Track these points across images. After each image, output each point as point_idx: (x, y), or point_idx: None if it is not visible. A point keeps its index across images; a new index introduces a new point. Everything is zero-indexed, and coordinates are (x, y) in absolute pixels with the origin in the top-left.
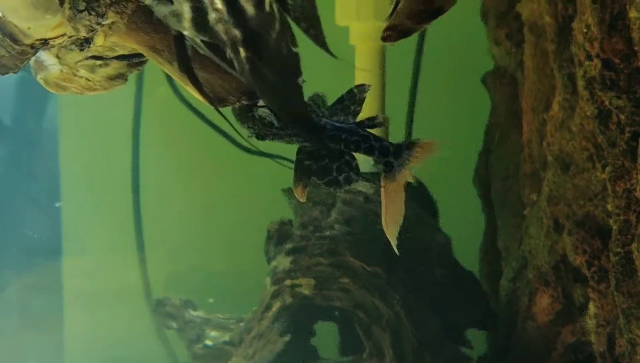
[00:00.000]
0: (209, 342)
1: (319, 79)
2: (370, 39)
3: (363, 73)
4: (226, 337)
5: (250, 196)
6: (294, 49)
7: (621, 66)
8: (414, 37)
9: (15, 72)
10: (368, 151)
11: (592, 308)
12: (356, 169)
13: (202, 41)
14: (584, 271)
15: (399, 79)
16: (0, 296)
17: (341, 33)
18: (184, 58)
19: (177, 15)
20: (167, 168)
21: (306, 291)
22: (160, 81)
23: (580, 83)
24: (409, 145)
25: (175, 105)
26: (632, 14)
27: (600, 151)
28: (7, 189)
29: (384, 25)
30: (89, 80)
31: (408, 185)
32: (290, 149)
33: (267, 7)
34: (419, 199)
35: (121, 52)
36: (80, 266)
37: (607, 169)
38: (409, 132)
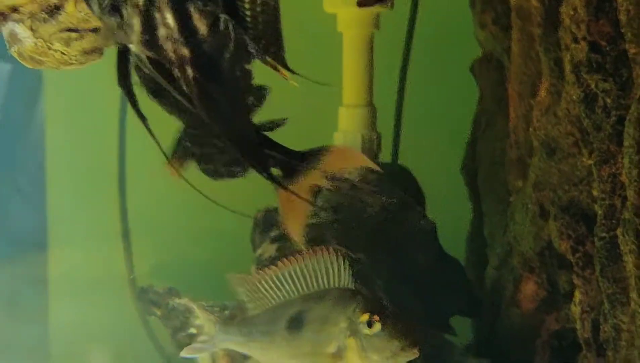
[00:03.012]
0: (193, 330)
1: (306, 67)
2: (358, 26)
3: (350, 61)
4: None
5: (237, 184)
6: (248, 69)
7: (608, 49)
8: (403, 24)
9: None
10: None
11: (577, 295)
12: (242, 166)
13: (148, 58)
14: (568, 257)
15: (388, 67)
16: None
17: (329, 20)
18: (124, 73)
19: (126, 28)
20: (153, 157)
21: None
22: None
23: (567, 67)
24: (313, 152)
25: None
26: None
27: (585, 136)
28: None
29: (371, 11)
30: (64, 54)
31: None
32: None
33: (222, 27)
34: (405, 185)
35: (95, 24)
36: (65, 256)
37: (593, 154)
38: (398, 120)
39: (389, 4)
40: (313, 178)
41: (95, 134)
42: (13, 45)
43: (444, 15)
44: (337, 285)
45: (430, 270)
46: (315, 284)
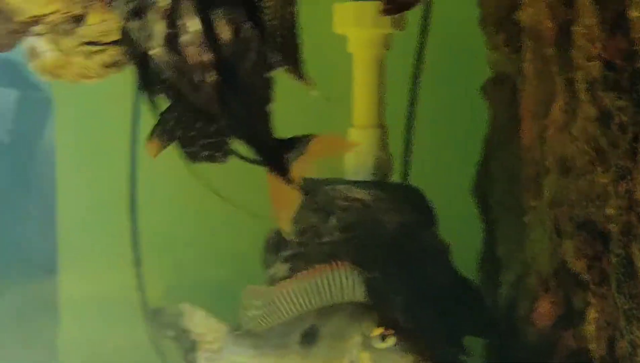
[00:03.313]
0: None
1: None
2: (369, 47)
3: (361, 82)
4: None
5: (249, 204)
6: (268, 77)
7: (623, 66)
8: (414, 44)
9: (8, 51)
10: (250, 143)
11: (591, 312)
12: (226, 152)
13: (168, 62)
14: (584, 274)
15: (398, 87)
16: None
17: (339, 41)
18: (145, 77)
19: (148, 33)
20: (164, 179)
21: None
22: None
23: (581, 86)
24: (300, 140)
25: None
26: (633, 13)
27: (601, 154)
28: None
29: (382, 32)
30: (83, 67)
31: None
32: None
33: (244, 35)
34: (417, 205)
35: (115, 37)
36: (75, 280)
37: (609, 171)
38: (407, 140)
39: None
40: (301, 166)
41: (106, 157)
42: (33, 59)
43: (454, 36)
44: (351, 300)
45: (444, 289)
46: (329, 298)
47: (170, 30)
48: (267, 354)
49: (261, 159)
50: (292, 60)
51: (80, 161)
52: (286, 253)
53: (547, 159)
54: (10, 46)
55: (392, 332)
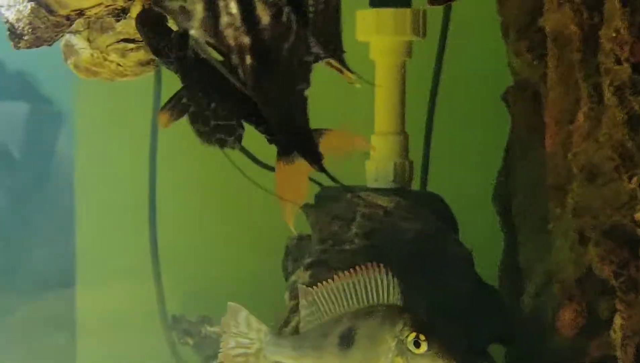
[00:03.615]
0: None
1: (337, 92)
2: (391, 54)
3: (383, 89)
4: None
5: (270, 211)
6: (307, 61)
7: None
8: (434, 52)
9: (50, 45)
10: (265, 131)
11: (617, 321)
12: (238, 138)
13: (206, 44)
14: (611, 281)
15: (418, 95)
16: (13, 326)
17: (362, 48)
18: (182, 57)
19: (188, 13)
20: (184, 190)
21: None
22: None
23: (607, 91)
24: (313, 132)
25: (190, 134)
26: None
27: (627, 161)
28: (21, 218)
29: (404, 39)
30: (119, 65)
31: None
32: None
33: (284, 19)
34: (438, 213)
35: None
36: (93, 293)
37: (636, 176)
38: (426, 148)
39: None
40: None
41: (125, 169)
42: (69, 57)
43: (474, 44)
44: (386, 301)
45: (467, 297)
46: (365, 300)
47: (210, 12)
48: (305, 355)
49: (294, 145)
50: (335, 50)
51: (98, 173)
52: (307, 260)
53: (571, 167)
54: (51, 40)
55: (425, 337)
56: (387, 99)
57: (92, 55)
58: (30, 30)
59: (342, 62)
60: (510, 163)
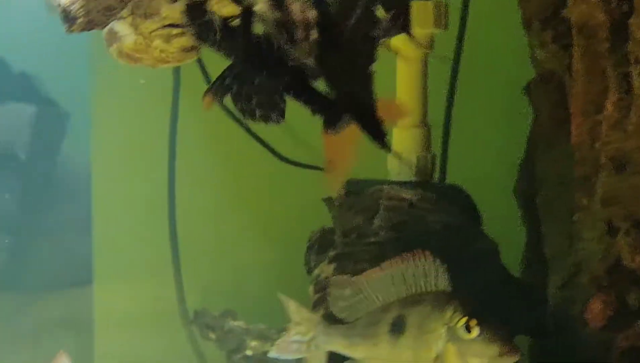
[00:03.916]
0: (249, 352)
1: None
2: (412, 46)
3: (404, 81)
4: (267, 347)
5: (289, 206)
6: (372, 36)
7: None
8: (452, 44)
9: (101, 28)
10: (308, 101)
11: None
12: (281, 113)
13: (271, 19)
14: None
15: (437, 87)
16: (29, 326)
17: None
18: (247, 33)
19: None
20: (203, 185)
21: None
22: (196, 110)
23: (637, 80)
24: None
25: (212, 122)
26: None
27: None
28: (30, 218)
29: (425, 32)
30: (162, 51)
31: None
32: None
33: None
34: (462, 205)
35: None
36: (111, 290)
37: None
38: (445, 140)
39: None
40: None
41: (143, 164)
42: (112, 43)
43: (493, 35)
44: (435, 288)
45: (493, 289)
46: (414, 287)
47: None
48: (357, 343)
49: (356, 119)
50: (403, 18)
51: (116, 169)
52: (331, 253)
53: (599, 157)
54: (103, 23)
55: (476, 322)
56: (409, 91)
57: (135, 41)
58: (83, 13)
59: (408, 31)
60: (533, 155)
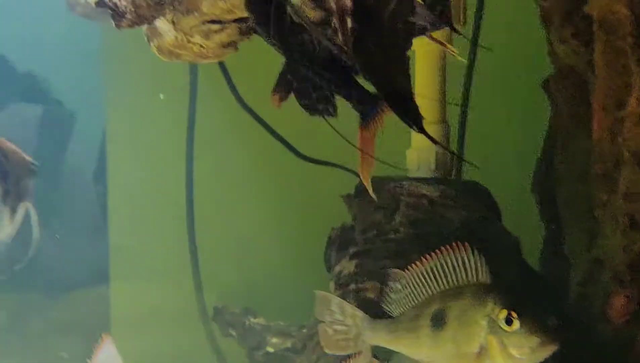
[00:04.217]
0: (270, 349)
1: None
2: (431, 43)
3: (423, 78)
4: (288, 344)
5: (308, 203)
6: (410, 22)
7: None
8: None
9: (150, 24)
10: (346, 96)
11: None
12: (334, 106)
13: (308, 9)
14: None
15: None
16: (44, 326)
17: None
18: (280, 24)
19: None
20: (221, 182)
21: (372, 295)
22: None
23: None
24: None
25: (229, 119)
26: None
27: None
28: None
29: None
30: (202, 47)
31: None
32: (348, 158)
33: None
34: (482, 201)
35: (239, 14)
36: (128, 291)
37: None
38: (461, 135)
39: None
40: (379, 121)
41: (160, 161)
42: (153, 39)
43: (509, 31)
44: (475, 281)
45: (515, 284)
46: (454, 280)
47: None
48: (400, 337)
49: (394, 108)
50: (441, 7)
51: (133, 167)
52: (352, 250)
53: (621, 153)
54: (151, 18)
55: (517, 314)
56: (427, 87)
57: (176, 37)
58: (132, 9)
59: (447, 19)
60: (552, 151)
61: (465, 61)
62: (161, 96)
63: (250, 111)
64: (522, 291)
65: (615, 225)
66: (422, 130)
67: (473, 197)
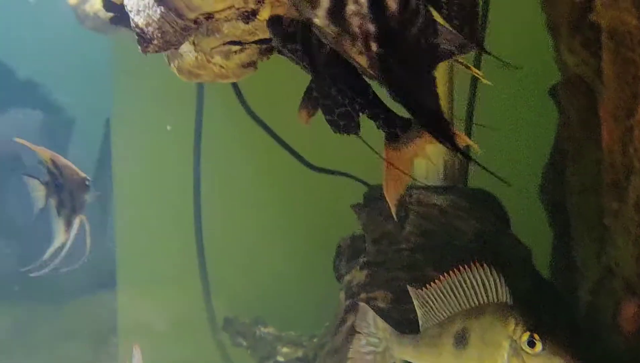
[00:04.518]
0: (280, 359)
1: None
2: None
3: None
4: (299, 353)
5: (317, 212)
6: (433, 43)
7: None
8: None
9: (177, 49)
10: (372, 117)
11: None
12: (357, 124)
13: (330, 32)
14: None
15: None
16: (50, 335)
17: None
18: (307, 44)
19: (313, 3)
20: (229, 191)
21: (382, 304)
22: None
23: None
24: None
25: (237, 127)
26: None
27: None
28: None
29: None
30: (222, 67)
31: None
32: (354, 166)
33: (413, 4)
34: (492, 210)
35: (261, 35)
36: (136, 299)
37: None
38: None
39: None
40: (415, 146)
41: (167, 168)
42: (173, 60)
43: (514, 39)
44: (495, 300)
45: (528, 294)
46: (475, 298)
47: (336, 1)
48: (424, 353)
49: (426, 127)
50: (469, 28)
51: (139, 178)
52: (363, 260)
53: (631, 162)
54: (178, 43)
55: (539, 336)
56: None
57: (196, 58)
58: (159, 34)
59: (475, 40)
60: (561, 159)
61: (491, 84)
62: (168, 128)
63: (258, 120)
64: (536, 303)
65: (627, 235)
66: (456, 148)
67: (483, 206)
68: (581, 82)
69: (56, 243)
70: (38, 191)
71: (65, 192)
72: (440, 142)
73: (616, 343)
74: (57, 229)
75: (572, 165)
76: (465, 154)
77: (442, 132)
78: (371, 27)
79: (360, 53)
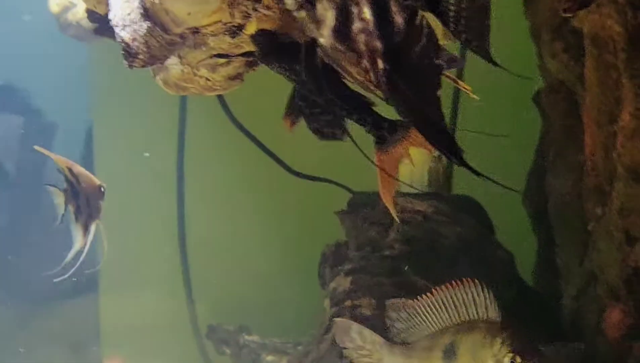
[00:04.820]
0: None
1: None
2: None
3: None
4: (283, 361)
5: (302, 218)
6: (437, 62)
7: None
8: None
9: (162, 63)
10: (360, 122)
11: None
12: (344, 131)
13: (335, 50)
14: None
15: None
16: (32, 340)
17: None
18: (312, 65)
19: (317, 22)
20: (214, 197)
21: (367, 312)
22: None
23: None
24: (404, 124)
25: (220, 132)
26: None
27: None
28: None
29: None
30: (208, 80)
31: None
32: (339, 173)
33: (418, 21)
34: (475, 217)
35: (247, 48)
36: (118, 304)
37: None
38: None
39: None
40: (401, 148)
41: (150, 172)
42: (159, 73)
43: (499, 43)
44: (485, 316)
45: (509, 299)
46: (466, 314)
47: (341, 19)
48: None
49: (432, 141)
50: (478, 42)
51: (122, 180)
52: (347, 266)
53: (614, 167)
54: (164, 58)
55: (522, 358)
56: None
57: (182, 71)
58: (145, 49)
59: (484, 54)
60: (543, 164)
61: (477, 98)
62: (145, 154)
63: (241, 127)
64: (520, 310)
65: (610, 240)
66: (462, 163)
67: (466, 212)
68: (563, 87)
69: (76, 248)
70: (58, 198)
71: (82, 198)
72: (447, 157)
73: (600, 347)
74: (75, 234)
75: (554, 169)
76: (472, 168)
77: (449, 148)
78: (378, 44)
79: (366, 71)
